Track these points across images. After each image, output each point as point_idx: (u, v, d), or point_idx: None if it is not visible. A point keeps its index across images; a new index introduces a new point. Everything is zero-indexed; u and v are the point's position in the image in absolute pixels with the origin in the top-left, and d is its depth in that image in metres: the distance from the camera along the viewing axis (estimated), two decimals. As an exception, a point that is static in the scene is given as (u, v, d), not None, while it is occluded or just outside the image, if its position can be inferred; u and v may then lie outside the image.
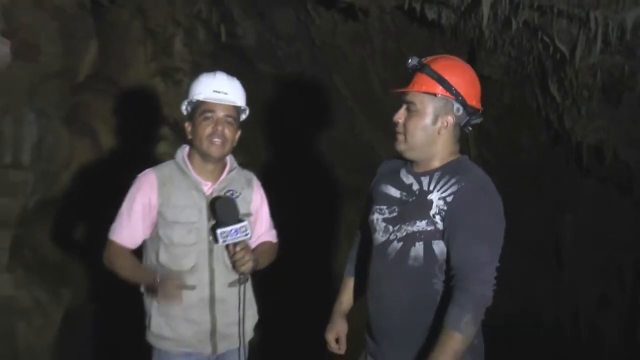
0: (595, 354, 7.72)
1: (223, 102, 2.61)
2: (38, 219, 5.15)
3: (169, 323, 2.63)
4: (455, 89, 2.27)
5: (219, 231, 2.45)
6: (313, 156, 7.80)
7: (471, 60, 7.06)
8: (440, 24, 6.13)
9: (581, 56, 5.50)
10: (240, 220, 2.48)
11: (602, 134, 6.59)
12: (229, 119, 2.62)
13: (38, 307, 4.86)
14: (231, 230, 2.45)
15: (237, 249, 2.50)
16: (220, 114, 2.60)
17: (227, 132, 2.62)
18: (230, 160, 2.76)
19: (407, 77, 2.36)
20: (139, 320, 2.74)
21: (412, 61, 2.34)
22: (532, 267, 8.48)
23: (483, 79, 7.17)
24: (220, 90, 2.61)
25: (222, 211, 2.49)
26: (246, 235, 2.48)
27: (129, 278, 2.65)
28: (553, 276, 8.46)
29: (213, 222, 2.58)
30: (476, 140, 8.17)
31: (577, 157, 7.36)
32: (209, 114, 2.60)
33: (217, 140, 2.59)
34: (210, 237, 2.61)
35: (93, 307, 5.37)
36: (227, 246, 2.54)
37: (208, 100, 2.60)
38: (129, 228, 2.63)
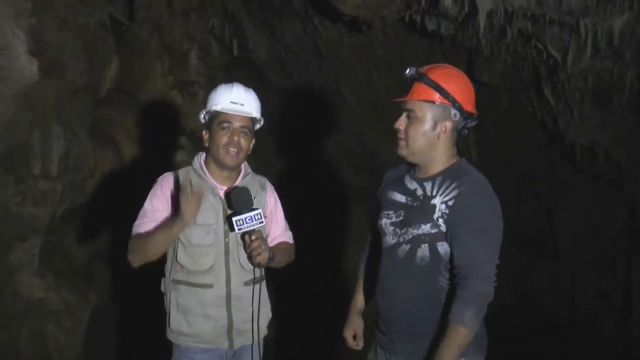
0: (592, 344, 7.68)
1: (239, 114, 2.60)
2: (66, 226, 5.18)
3: (188, 319, 2.62)
4: (452, 96, 2.28)
5: (234, 219, 2.45)
6: (322, 161, 7.81)
7: (469, 67, 7.05)
8: (439, 34, 6.12)
9: (572, 61, 5.49)
10: (254, 208, 2.50)
11: (594, 135, 6.57)
12: (245, 130, 2.61)
13: (67, 308, 4.88)
14: (246, 218, 2.46)
15: (253, 237, 2.49)
16: (237, 124, 2.60)
17: (243, 141, 2.61)
18: (244, 166, 2.75)
19: (405, 87, 2.37)
20: (160, 319, 2.74)
21: (410, 71, 2.35)
22: (530, 261, 8.46)
23: (481, 85, 7.26)
24: (237, 101, 2.60)
25: (237, 200, 2.50)
26: (261, 222, 2.49)
27: (163, 239, 2.52)
28: (551, 269, 8.44)
29: (229, 212, 2.57)
30: (476, 142, 8.16)
31: (571, 157, 7.34)
32: (226, 124, 2.59)
33: (232, 149, 2.59)
34: (227, 239, 2.61)
35: (117, 308, 5.38)
36: (242, 237, 2.54)
37: (225, 111, 2.59)
38: (154, 224, 2.60)
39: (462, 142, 7.85)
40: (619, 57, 5.46)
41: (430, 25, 5.93)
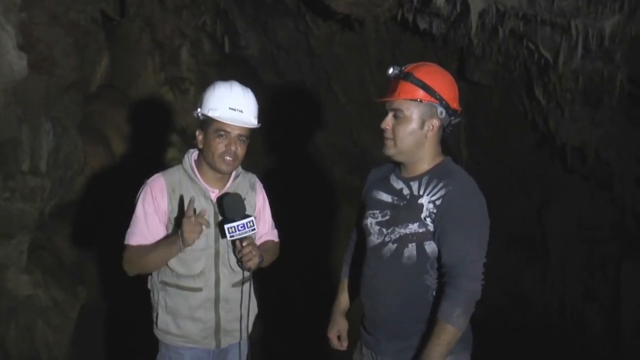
0: (581, 344, 7.72)
1: (239, 124, 2.51)
2: (55, 223, 5.16)
3: (176, 321, 2.60)
4: (438, 94, 2.29)
5: (226, 226, 2.39)
6: (312, 159, 7.81)
7: (461, 66, 7.07)
8: (431, 33, 6.14)
9: (564, 62, 5.52)
10: (247, 216, 2.44)
11: (584, 135, 6.61)
12: (242, 138, 2.52)
13: (55, 305, 4.86)
14: (238, 226, 2.40)
15: (244, 244, 2.44)
16: (235, 133, 2.50)
17: (240, 150, 2.53)
18: None
19: (390, 86, 2.37)
20: (149, 317, 2.73)
21: (394, 70, 2.35)
22: (520, 261, 8.50)
23: (472, 84, 7.25)
24: (236, 107, 2.50)
25: (230, 207, 2.44)
26: (253, 230, 2.43)
27: (160, 258, 2.50)
28: (541, 269, 8.48)
29: (221, 218, 2.53)
30: (467, 141, 8.19)
31: (561, 157, 7.38)
32: (223, 133, 2.50)
33: (229, 158, 2.52)
34: (217, 243, 2.58)
35: (106, 305, 5.37)
36: (233, 242, 2.49)
37: (224, 121, 2.49)
38: (147, 230, 2.55)
39: (453, 141, 7.89)
40: (609, 58, 5.50)
41: (423, 24, 5.95)
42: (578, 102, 6.31)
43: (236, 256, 2.52)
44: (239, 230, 2.41)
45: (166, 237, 2.54)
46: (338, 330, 2.66)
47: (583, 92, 6.14)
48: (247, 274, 2.58)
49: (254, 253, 2.47)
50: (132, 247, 2.55)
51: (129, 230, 2.57)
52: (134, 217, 2.58)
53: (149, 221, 2.55)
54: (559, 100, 6.39)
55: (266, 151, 7.22)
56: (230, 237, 2.42)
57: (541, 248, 8.49)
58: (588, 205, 7.83)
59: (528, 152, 7.98)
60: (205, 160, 2.58)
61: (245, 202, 2.55)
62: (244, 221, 2.42)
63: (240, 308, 2.63)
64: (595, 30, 4.91)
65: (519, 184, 8.45)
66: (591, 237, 7.85)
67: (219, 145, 2.51)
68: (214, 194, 2.61)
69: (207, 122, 2.53)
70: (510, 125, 7.77)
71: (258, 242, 2.70)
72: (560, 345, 7.78)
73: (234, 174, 2.68)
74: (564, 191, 8.00)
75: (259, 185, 2.79)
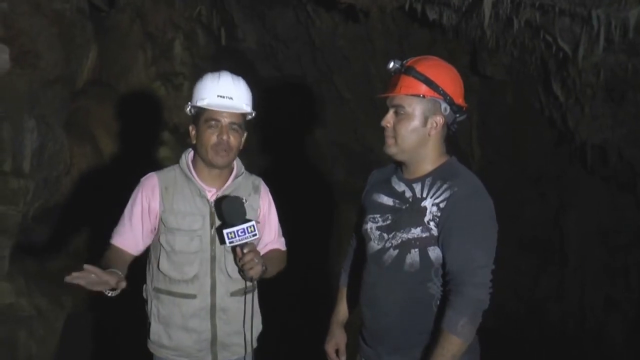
0: (600, 358, 7.70)
1: (228, 110, 2.52)
2: (39, 226, 5.15)
3: (168, 331, 2.60)
4: (442, 89, 2.28)
5: (225, 232, 2.36)
6: (313, 159, 7.80)
7: (473, 60, 7.05)
8: (441, 24, 6.13)
9: (584, 55, 5.50)
10: (247, 220, 2.40)
11: (606, 134, 6.59)
12: (235, 126, 2.54)
13: (39, 315, 4.84)
14: (238, 231, 2.36)
15: (245, 250, 2.40)
16: (226, 121, 2.52)
17: (233, 139, 2.54)
18: (237, 165, 2.69)
19: (391, 81, 2.36)
20: (139, 326, 2.72)
21: (394, 64, 2.34)
22: (535, 267, 8.48)
23: (485, 79, 7.23)
24: (225, 94, 2.52)
25: (228, 211, 2.40)
26: (254, 235, 2.39)
27: None
28: (558, 276, 8.46)
29: (219, 223, 2.51)
30: (480, 140, 8.17)
31: (581, 157, 7.36)
32: (214, 122, 2.51)
33: (222, 150, 2.53)
34: (213, 246, 2.57)
35: (94, 315, 5.36)
36: (234, 249, 2.46)
37: (212, 108, 2.52)
38: (130, 232, 2.57)
39: (464, 140, 7.87)
40: (634, 50, 5.47)
41: (432, 15, 5.93)
42: (599, 98, 6.29)
43: (237, 265, 2.48)
44: (238, 236, 2.37)
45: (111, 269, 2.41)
46: (336, 343, 2.65)
47: (605, 88, 6.12)
48: (249, 283, 2.56)
49: (256, 261, 2.42)
50: (112, 247, 2.59)
51: (115, 228, 2.63)
52: (121, 216, 2.62)
53: (133, 222, 2.59)
54: (579, 96, 6.37)
55: (263, 150, 7.20)
56: (230, 243, 2.38)
57: (558, 254, 8.47)
58: (609, 208, 7.81)
59: (545, 151, 7.96)
60: (199, 155, 2.60)
61: (246, 205, 2.50)
62: (244, 226, 2.37)
63: (243, 321, 2.60)
64: (618, 21, 4.87)
65: (535, 185, 8.43)
66: (612, 242, 7.83)
67: (211, 136, 2.53)
68: (211, 194, 2.60)
69: (198, 115, 2.57)
70: (525, 122, 7.76)
71: (263, 250, 2.67)
72: (577, 358, 7.76)
73: (234, 173, 2.68)
74: (583, 193, 7.98)
75: (265, 189, 2.77)
